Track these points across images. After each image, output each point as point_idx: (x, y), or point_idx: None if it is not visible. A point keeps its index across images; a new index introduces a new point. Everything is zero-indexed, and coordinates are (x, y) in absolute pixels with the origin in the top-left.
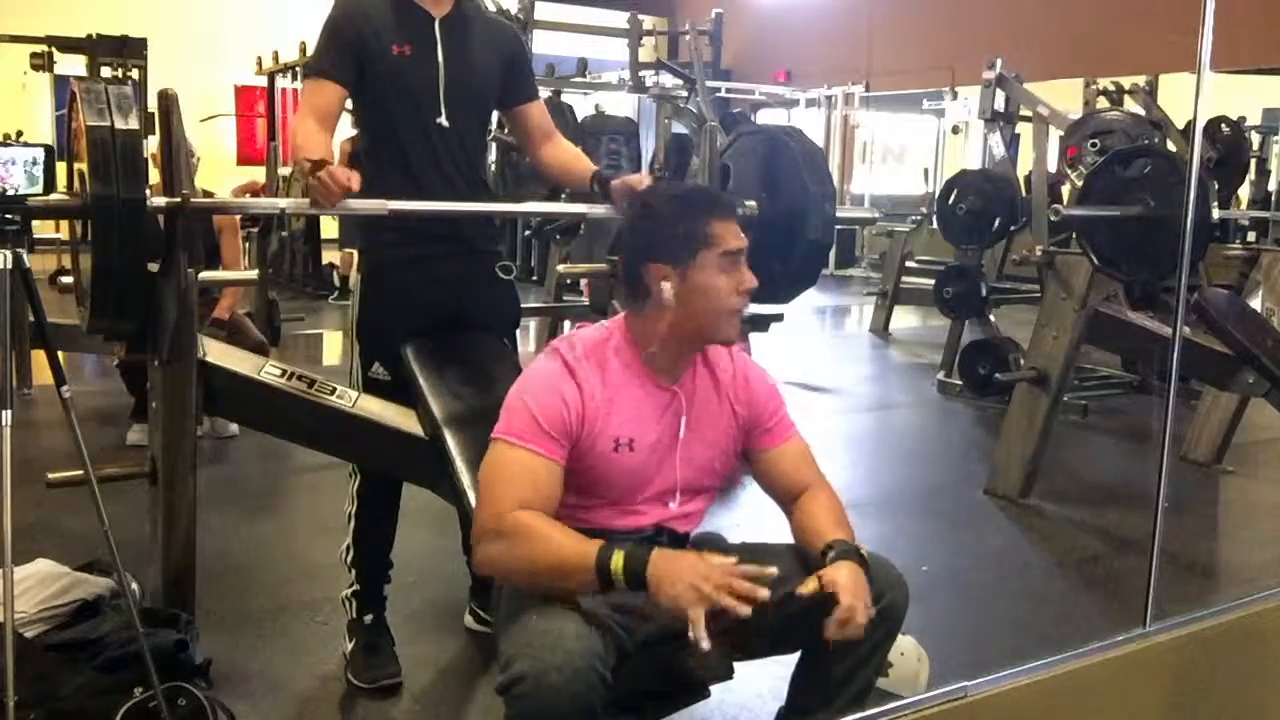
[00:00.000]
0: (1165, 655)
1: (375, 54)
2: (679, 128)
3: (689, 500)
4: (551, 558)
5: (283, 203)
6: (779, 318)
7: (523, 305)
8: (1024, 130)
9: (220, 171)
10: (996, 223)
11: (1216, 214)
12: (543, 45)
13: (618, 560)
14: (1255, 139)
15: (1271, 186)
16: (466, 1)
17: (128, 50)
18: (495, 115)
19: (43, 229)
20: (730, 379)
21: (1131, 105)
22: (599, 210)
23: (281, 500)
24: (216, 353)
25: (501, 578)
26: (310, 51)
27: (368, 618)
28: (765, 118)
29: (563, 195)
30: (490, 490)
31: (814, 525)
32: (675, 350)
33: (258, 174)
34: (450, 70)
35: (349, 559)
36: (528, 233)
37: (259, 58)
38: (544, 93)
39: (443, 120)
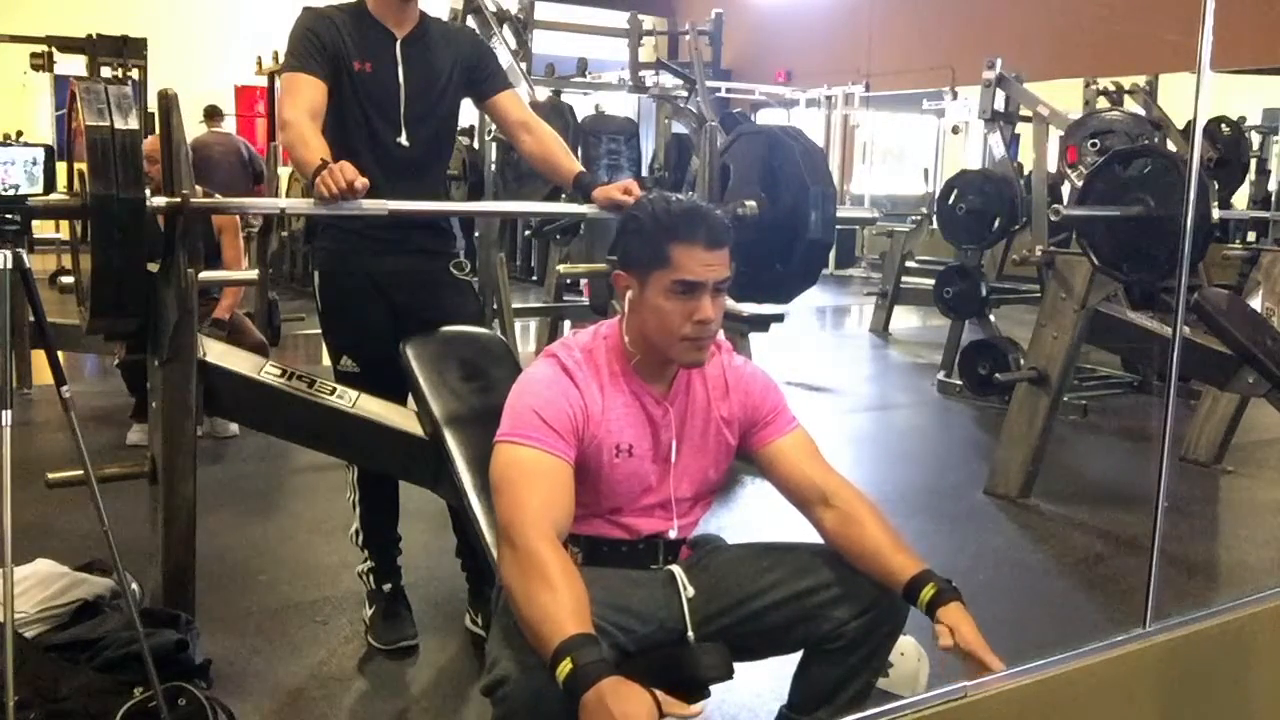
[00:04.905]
0: (1165, 655)
1: (341, 66)
2: (679, 128)
3: (685, 513)
4: (535, 612)
5: (283, 203)
6: (779, 318)
7: (523, 305)
8: (1024, 130)
9: None
10: (996, 223)
11: (1216, 214)
12: (543, 45)
13: (565, 667)
14: (1255, 139)
15: (1271, 186)
16: (427, 18)
17: (128, 50)
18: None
19: (43, 229)
20: (720, 383)
21: (1131, 105)
22: (598, 210)
23: (281, 500)
24: (216, 353)
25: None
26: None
27: (386, 586)
28: (765, 118)
29: (563, 195)
30: (510, 490)
31: (870, 545)
32: (655, 358)
33: None
34: (411, 90)
35: (359, 540)
36: (528, 233)
37: (259, 58)
38: (544, 93)
39: (402, 140)
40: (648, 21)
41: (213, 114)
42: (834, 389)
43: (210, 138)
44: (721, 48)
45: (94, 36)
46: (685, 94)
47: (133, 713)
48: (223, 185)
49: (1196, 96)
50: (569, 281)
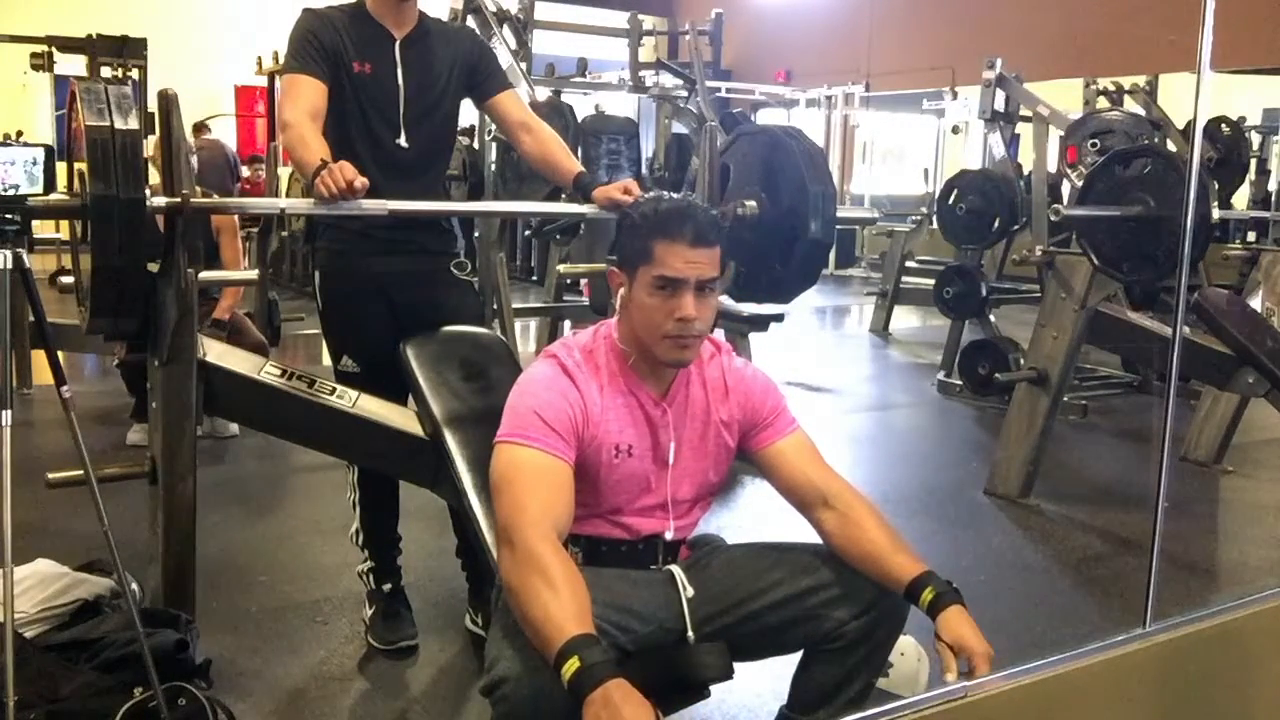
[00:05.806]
0: (1165, 655)
1: (341, 67)
2: (679, 128)
3: (684, 514)
4: (537, 611)
5: (283, 203)
6: (779, 318)
7: (523, 305)
8: (1024, 130)
9: None
10: (996, 223)
11: (1216, 214)
12: (543, 45)
13: (572, 665)
14: (1255, 139)
15: (1271, 186)
16: (427, 18)
17: (128, 50)
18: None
19: (43, 229)
20: (720, 385)
21: (1131, 105)
22: (598, 210)
23: (281, 500)
24: (216, 353)
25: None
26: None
27: (386, 586)
28: (765, 118)
29: (563, 195)
30: (510, 491)
31: (870, 547)
32: (648, 358)
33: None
34: (410, 91)
35: (359, 540)
36: (528, 233)
37: (259, 58)
38: (544, 93)
39: (402, 141)
40: (648, 21)
41: (200, 128)
42: (834, 389)
43: (198, 142)
44: (721, 48)
45: (94, 36)
46: (685, 94)
47: (133, 713)
48: (211, 187)
49: (1196, 96)
50: (569, 281)
